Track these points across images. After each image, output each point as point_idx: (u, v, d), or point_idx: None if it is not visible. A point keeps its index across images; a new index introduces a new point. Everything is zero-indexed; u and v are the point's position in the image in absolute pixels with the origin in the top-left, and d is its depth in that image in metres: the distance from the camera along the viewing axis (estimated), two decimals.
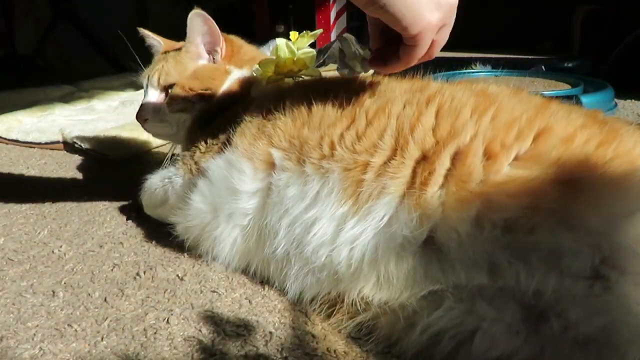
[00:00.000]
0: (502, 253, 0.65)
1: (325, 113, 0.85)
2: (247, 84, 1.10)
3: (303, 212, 0.80)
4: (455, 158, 0.70)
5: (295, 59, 1.01)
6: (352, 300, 0.77)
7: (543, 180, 0.64)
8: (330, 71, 1.02)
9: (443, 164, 0.70)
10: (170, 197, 1.04)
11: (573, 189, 0.62)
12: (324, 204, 0.78)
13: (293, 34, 1.05)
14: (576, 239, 0.61)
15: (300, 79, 1.01)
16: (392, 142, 0.76)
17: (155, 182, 1.09)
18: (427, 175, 0.71)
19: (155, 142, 1.76)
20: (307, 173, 0.80)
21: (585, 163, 0.64)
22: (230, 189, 0.89)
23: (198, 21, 1.09)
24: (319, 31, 1.08)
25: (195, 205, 0.94)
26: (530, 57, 2.89)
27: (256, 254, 0.90)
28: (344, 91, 0.88)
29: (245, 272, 0.94)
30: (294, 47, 1.01)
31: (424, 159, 0.72)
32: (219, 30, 1.10)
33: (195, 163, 1.00)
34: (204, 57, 1.14)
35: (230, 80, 1.12)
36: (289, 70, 1.01)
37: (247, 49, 1.19)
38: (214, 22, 1.09)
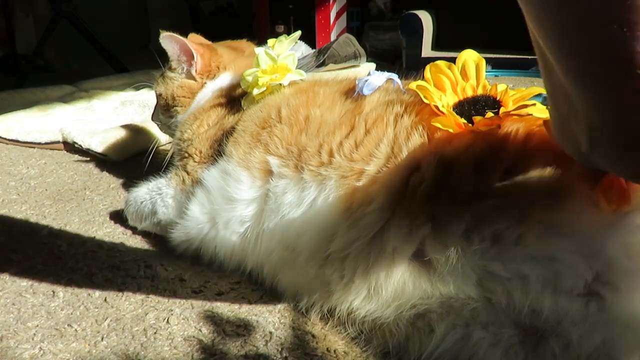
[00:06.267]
0: (490, 265, 0.64)
1: (323, 120, 0.84)
2: (228, 91, 1.12)
3: (298, 218, 0.80)
4: (447, 169, 0.70)
5: (277, 65, 1.01)
6: (341, 315, 0.77)
7: (530, 190, 0.64)
8: (329, 71, 1.01)
9: (434, 173, 0.70)
10: (159, 209, 1.04)
11: (559, 196, 0.62)
12: (318, 210, 0.78)
13: (271, 41, 1.06)
14: (564, 248, 0.61)
15: (287, 83, 1.01)
16: (387, 151, 0.75)
17: (142, 195, 1.08)
18: (417, 184, 0.70)
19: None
20: (305, 180, 0.80)
21: (573, 171, 0.64)
22: (228, 197, 0.89)
23: (168, 43, 1.15)
24: (297, 34, 1.10)
25: (194, 216, 0.94)
26: (530, 57, 2.89)
27: (251, 259, 0.91)
28: (344, 97, 0.88)
29: (243, 273, 0.94)
30: (274, 53, 1.01)
31: (416, 169, 0.72)
32: (191, 46, 1.15)
33: (189, 174, 1.00)
34: (183, 72, 1.20)
35: (203, 94, 1.15)
36: (273, 77, 1.01)
37: (223, 55, 1.20)
38: (184, 39, 1.14)
